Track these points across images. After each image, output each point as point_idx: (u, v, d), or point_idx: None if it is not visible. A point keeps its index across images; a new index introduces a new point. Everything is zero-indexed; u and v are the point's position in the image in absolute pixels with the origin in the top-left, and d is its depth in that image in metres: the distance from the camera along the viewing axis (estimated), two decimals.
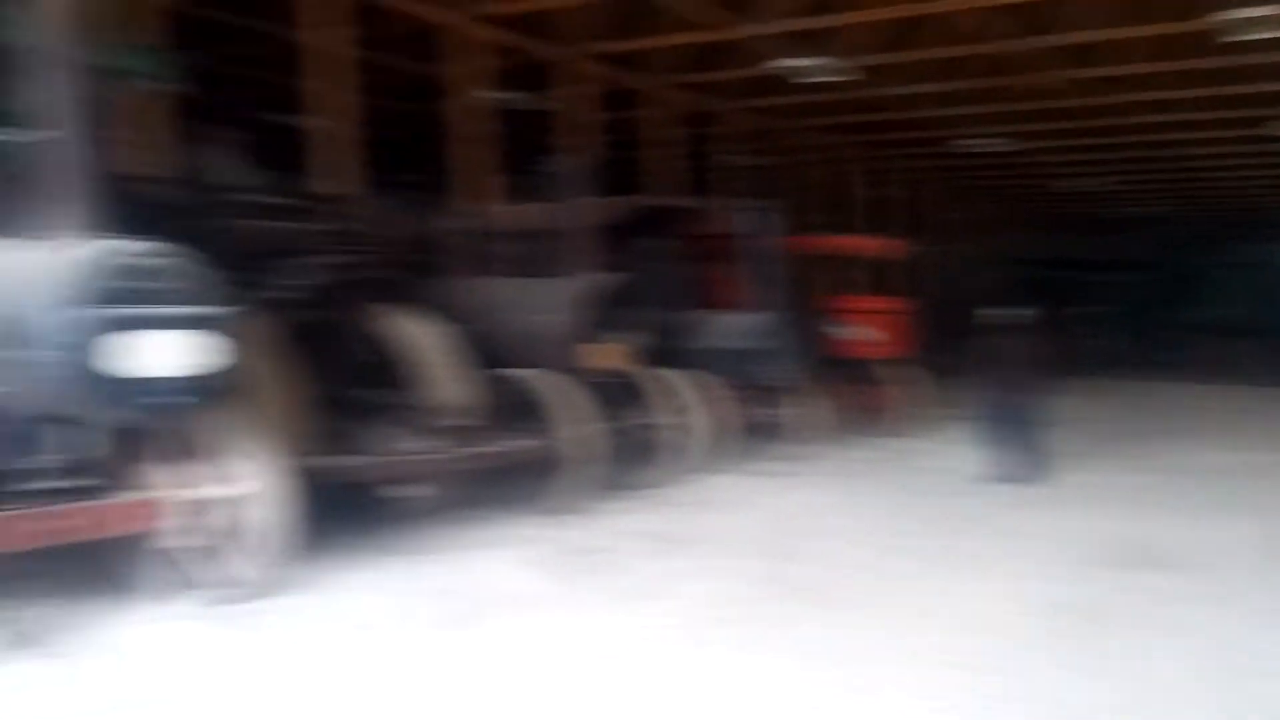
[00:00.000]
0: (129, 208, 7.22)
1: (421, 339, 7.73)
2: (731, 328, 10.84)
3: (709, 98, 17.92)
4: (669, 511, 8.27)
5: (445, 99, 15.71)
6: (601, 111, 15.47)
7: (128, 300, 4.30)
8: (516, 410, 8.09)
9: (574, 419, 7.91)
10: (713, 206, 13.26)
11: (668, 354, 9.77)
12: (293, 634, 5.10)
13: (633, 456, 9.12)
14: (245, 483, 5.19)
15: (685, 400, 9.27)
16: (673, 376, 9.38)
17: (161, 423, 4.83)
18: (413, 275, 9.43)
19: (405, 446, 6.67)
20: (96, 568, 5.82)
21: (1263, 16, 12.06)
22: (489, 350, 8.91)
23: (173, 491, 5.21)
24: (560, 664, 4.83)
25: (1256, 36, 12.70)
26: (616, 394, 8.96)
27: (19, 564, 5.17)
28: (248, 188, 7.87)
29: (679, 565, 6.63)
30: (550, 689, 4.52)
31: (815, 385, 11.36)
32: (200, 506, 5.22)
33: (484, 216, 10.18)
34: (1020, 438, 9.31)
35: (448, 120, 14.39)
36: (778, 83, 16.30)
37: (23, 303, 4.20)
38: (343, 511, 7.18)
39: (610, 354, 8.64)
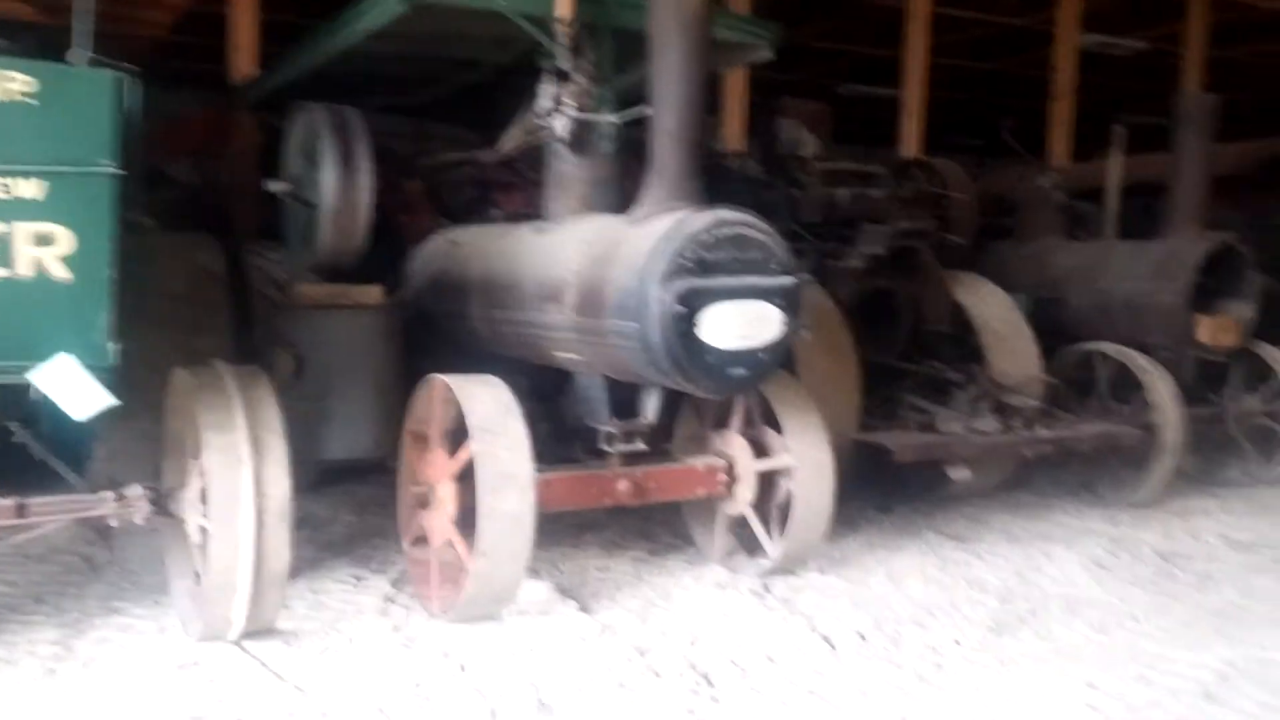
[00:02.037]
0: (710, 180, 7.73)
1: (986, 308, 7.20)
2: None
3: None
4: (1261, 517, 6.99)
5: (1027, 52, 14.76)
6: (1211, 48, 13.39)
7: (716, 270, 4.33)
8: (1094, 389, 7.26)
9: (1163, 401, 6.83)
10: None
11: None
12: (816, 614, 4.93)
13: (1219, 446, 7.98)
14: (793, 455, 5.13)
15: None
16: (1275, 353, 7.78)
17: (737, 392, 4.91)
18: (983, 240, 8.88)
19: (960, 424, 6.19)
20: (635, 530, 6.24)
21: None
22: (1065, 321, 8.11)
23: (728, 460, 5.32)
24: (1126, 693, 4.12)
25: None
26: (1211, 373, 7.72)
27: (563, 520, 5.67)
28: (817, 157, 7.86)
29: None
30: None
31: None
32: (750, 477, 5.27)
33: (1063, 174, 9.19)
34: None
35: (1026, 74, 13.47)
36: None
37: (625, 275, 4.42)
38: (886, 490, 6.99)
39: (1218, 327, 7.30)
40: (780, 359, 4.58)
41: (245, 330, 6.70)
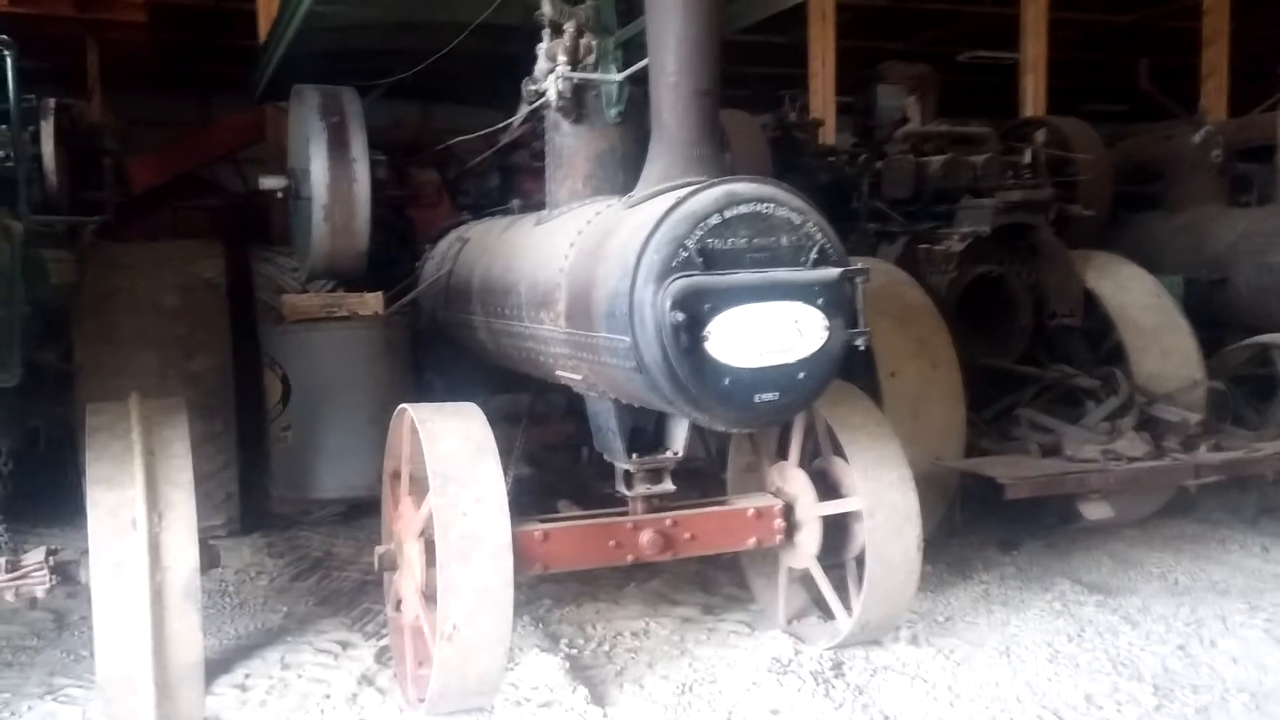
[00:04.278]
0: (778, 155, 6.59)
1: (1128, 295, 5.83)
2: None
3: None
4: None
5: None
6: None
7: (729, 263, 3.24)
8: (1273, 393, 5.81)
9: None
10: None
11: None
12: (901, 714, 3.77)
13: None
14: (864, 495, 3.97)
15: None
16: None
17: (769, 424, 3.82)
18: (1120, 212, 7.43)
19: (1097, 447, 4.88)
20: (690, 577, 5.20)
21: None
22: (1230, 308, 6.64)
23: (786, 500, 4.21)
24: None
25: None
26: None
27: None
28: (907, 121, 6.62)
29: None
30: None
31: None
32: (813, 522, 4.14)
33: (1221, 130, 7.63)
34: None
35: (1171, 25, 11.79)
36: None
37: (613, 274, 3.38)
38: (1009, 519, 5.71)
39: None
40: (828, 376, 3.44)
41: (252, 348, 5.97)
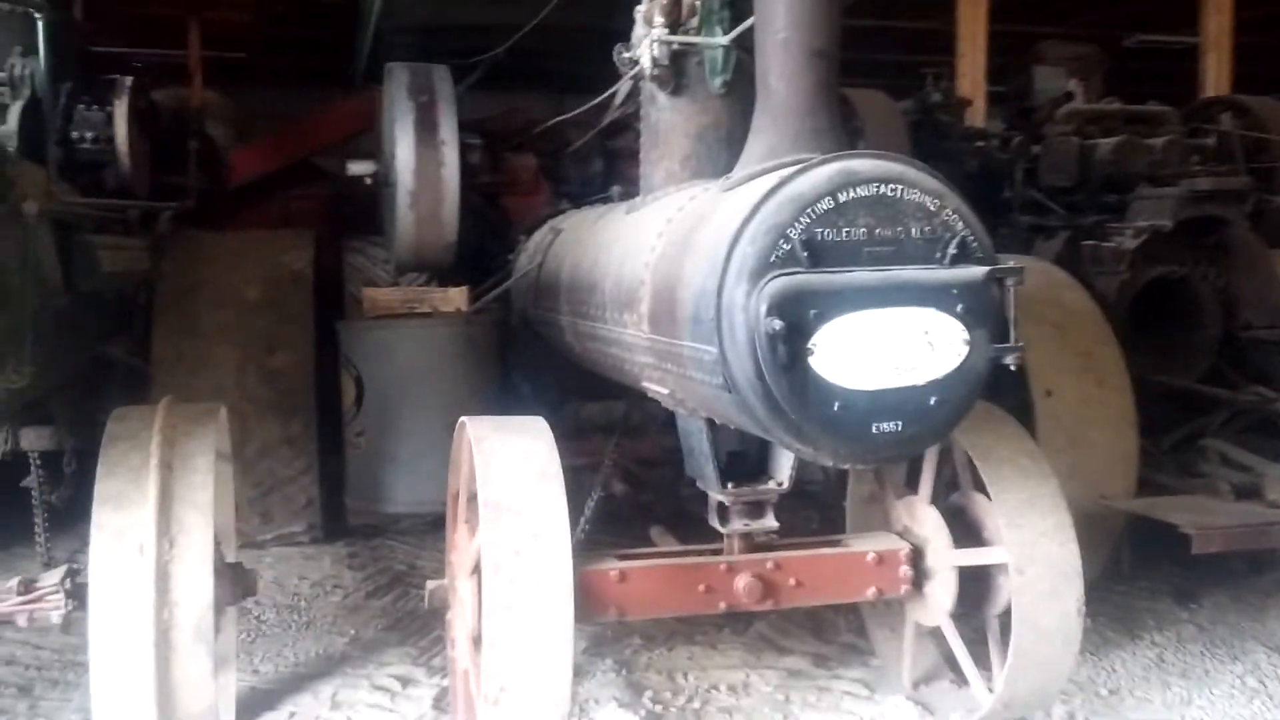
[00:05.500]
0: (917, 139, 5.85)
1: None
2: None
3: None
4: None
5: None
6: None
7: (841, 259, 2.57)
8: None
9: None
10: None
11: None
12: None
13: None
14: (1010, 546, 3.25)
15: None
16: None
17: (890, 459, 3.15)
18: None
19: None
20: (801, 620, 4.54)
21: None
22: None
23: (915, 544, 3.51)
24: None
25: None
26: None
27: None
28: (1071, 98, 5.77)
29: None
30: None
31: None
32: (947, 571, 3.44)
33: None
34: None
35: None
36: None
37: (700, 271, 2.77)
38: (1188, 567, 4.85)
39: None
40: (967, 402, 2.74)
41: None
